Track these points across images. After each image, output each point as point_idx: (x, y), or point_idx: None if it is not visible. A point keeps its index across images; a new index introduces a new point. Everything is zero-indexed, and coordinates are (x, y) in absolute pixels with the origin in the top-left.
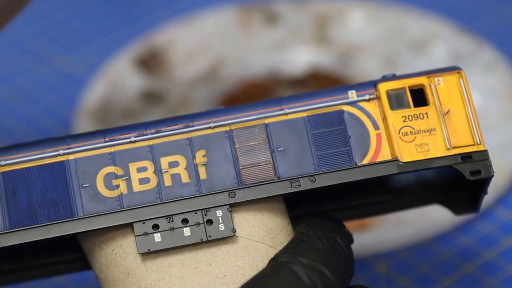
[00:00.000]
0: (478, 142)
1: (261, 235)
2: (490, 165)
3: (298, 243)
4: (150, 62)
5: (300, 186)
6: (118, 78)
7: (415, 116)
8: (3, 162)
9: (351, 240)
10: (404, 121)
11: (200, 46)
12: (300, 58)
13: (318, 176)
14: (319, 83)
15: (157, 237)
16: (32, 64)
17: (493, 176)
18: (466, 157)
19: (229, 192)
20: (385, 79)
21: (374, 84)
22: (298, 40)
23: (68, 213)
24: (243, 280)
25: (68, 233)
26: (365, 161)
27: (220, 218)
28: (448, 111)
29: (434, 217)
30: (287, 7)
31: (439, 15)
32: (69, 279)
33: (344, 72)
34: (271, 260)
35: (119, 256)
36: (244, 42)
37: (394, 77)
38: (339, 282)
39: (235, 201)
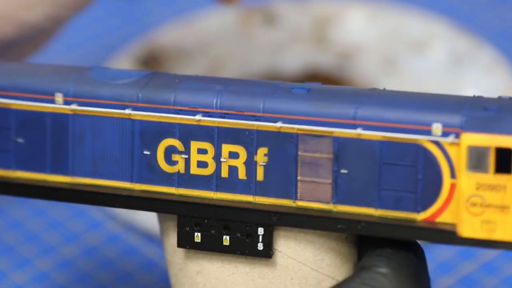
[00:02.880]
0: None
1: (306, 256)
2: None
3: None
4: (150, 62)
5: (360, 229)
6: None
7: (491, 186)
8: (76, 107)
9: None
10: (477, 188)
11: (200, 46)
12: (300, 59)
13: (379, 225)
14: None
15: (197, 236)
16: None
17: None
18: None
19: (279, 214)
20: (488, 111)
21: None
22: (298, 41)
23: (127, 176)
24: None
25: (123, 208)
26: (430, 211)
27: (260, 236)
28: None
29: None
30: (287, 8)
31: (439, 15)
32: (70, 279)
33: (344, 72)
34: None
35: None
36: (244, 42)
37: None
38: None
39: (282, 225)
